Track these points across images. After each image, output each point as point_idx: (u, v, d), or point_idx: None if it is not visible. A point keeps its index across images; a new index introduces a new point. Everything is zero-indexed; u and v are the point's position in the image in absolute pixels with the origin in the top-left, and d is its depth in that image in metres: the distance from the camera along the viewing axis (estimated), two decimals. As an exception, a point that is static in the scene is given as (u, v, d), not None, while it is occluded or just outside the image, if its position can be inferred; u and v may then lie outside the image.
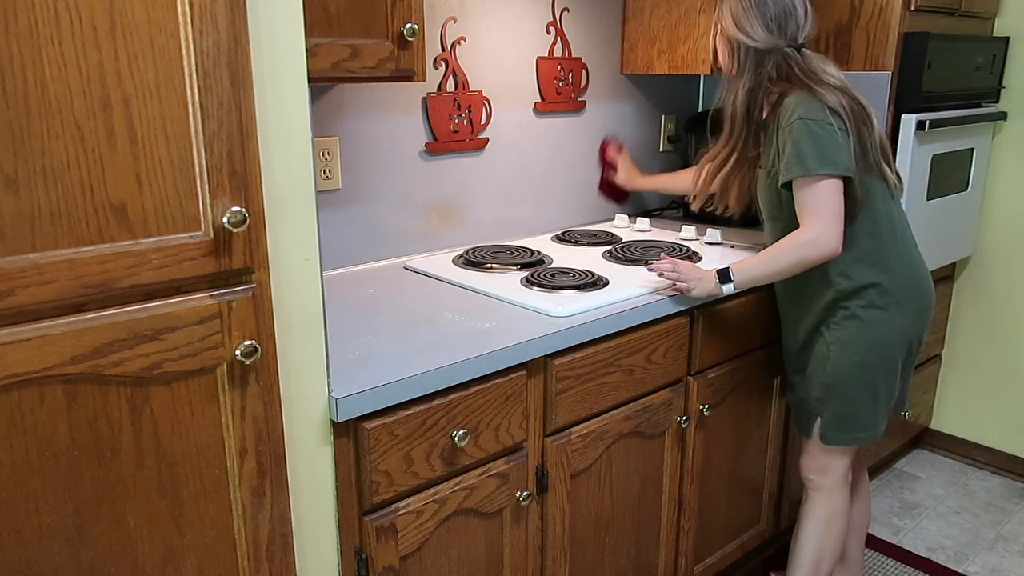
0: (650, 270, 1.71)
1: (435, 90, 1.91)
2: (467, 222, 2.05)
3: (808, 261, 1.59)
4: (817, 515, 1.83)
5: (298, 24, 1.05)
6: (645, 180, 2.28)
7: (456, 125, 1.97)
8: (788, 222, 1.66)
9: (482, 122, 2.02)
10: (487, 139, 2.04)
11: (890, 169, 1.70)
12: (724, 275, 1.63)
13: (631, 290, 1.64)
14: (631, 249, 1.96)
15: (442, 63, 1.90)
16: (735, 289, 1.64)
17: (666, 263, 1.66)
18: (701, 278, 1.63)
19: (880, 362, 1.70)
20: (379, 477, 1.24)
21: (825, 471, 1.80)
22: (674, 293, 1.64)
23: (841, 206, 1.58)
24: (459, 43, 1.92)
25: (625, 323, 1.56)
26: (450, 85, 1.94)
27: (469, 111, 1.98)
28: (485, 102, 2.02)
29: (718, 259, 1.90)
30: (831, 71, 1.67)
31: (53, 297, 0.87)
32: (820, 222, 1.57)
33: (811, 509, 1.84)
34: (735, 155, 1.74)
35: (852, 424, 1.73)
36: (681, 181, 2.15)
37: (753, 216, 2.34)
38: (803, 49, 1.68)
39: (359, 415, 1.20)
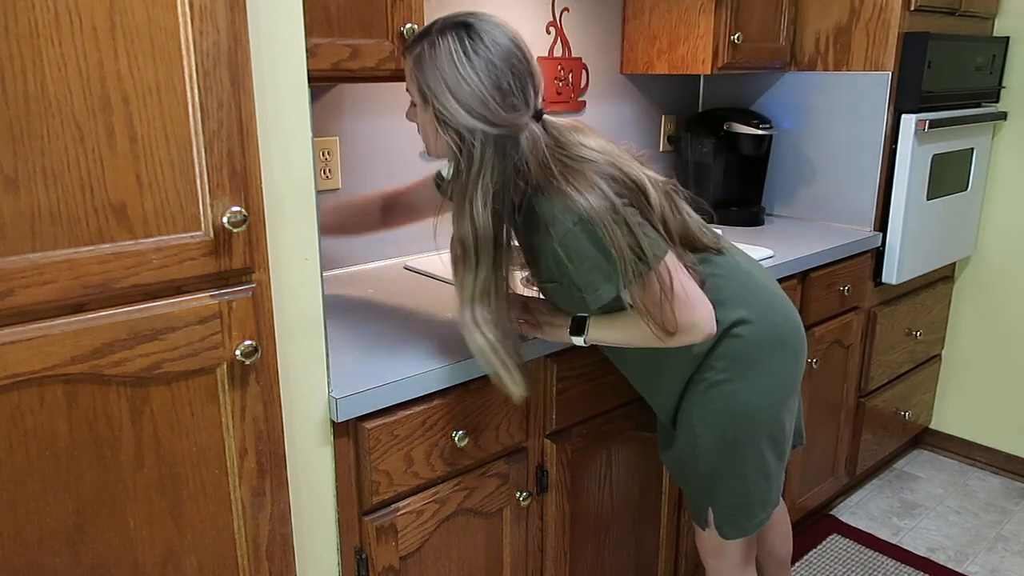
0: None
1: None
2: (467, 222, 2.05)
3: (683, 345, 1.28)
4: None
5: (298, 24, 1.06)
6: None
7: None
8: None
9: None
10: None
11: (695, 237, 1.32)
12: (578, 325, 1.31)
13: (631, 290, 1.63)
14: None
15: (442, 63, 1.90)
16: (584, 344, 1.33)
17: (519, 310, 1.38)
18: (551, 324, 1.35)
19: (755, 432, 1.38)
20: (379, 477, 1.24)
21: (720, 553, 1.52)
22: None
23: (691, 282, 1.24)
24: (459, 43, 1.92)
25: (625, 323, 1.55)
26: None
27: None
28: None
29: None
30: (588, 141, 1.22)
31: (53, 297, 0.87)
32: (689, 309, 1.22)
33: None
34: (493, 286, 1.20)
35: (748, 513, 1.43)
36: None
37: (755, 213, 2.36)
38: (545, 116, 1.21)
39: (359, 415, 1.20)
